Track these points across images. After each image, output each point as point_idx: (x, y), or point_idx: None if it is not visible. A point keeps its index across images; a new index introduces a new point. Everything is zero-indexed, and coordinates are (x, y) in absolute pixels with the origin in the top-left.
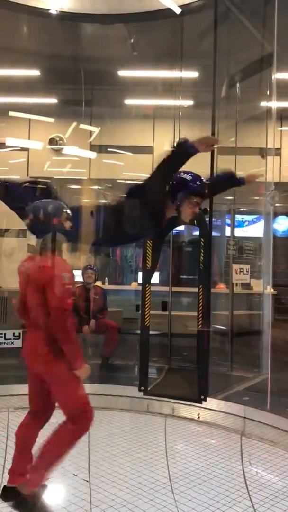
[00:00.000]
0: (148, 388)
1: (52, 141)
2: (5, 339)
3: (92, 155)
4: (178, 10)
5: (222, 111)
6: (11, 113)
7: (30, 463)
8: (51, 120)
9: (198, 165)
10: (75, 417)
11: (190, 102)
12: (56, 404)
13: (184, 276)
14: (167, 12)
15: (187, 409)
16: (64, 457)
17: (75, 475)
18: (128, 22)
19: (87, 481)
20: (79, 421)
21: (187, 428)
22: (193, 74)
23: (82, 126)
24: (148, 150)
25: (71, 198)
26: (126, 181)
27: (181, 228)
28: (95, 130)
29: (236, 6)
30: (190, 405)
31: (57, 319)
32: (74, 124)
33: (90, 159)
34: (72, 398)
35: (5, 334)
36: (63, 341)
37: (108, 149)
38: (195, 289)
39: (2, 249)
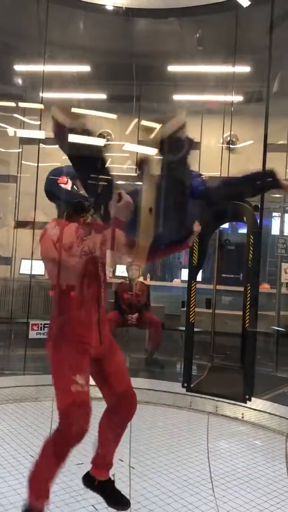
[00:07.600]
0: (192, 385)
1: (100, 137)
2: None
3: (153, 151)
4: (246, 3)
5: (273, 106)
6: (74, 110)
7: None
8: (113, 116)
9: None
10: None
11: (240, 98)
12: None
13: (225, 275)
14: (223, 5)
15: (231, 408)
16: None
17: (121, 460)
18: (182, 16)
19: (133, 467)
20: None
21: (231, 426)
22: (245, 69)
23: (143, 122)
24: (195, 146)
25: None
26: None
27: (225, 226)
28: (157, 126)
29: None
30: (234, 404)
31: None
32: (135, 120)
33: (137, 153)
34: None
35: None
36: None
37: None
38: (239, 288)
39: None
